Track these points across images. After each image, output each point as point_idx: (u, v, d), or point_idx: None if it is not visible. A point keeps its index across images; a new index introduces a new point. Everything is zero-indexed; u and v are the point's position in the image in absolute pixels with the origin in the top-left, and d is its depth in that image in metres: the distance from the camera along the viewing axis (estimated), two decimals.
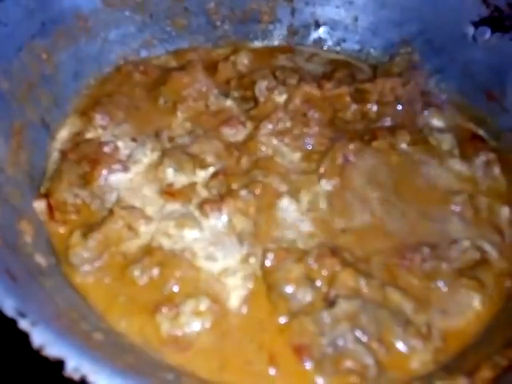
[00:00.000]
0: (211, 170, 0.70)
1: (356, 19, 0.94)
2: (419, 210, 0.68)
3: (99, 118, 0.75)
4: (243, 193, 0.66)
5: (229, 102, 0.80)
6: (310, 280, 0.59)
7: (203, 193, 0.68)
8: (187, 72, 0.82)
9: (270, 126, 0.75)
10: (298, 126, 0.76)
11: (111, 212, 0.63)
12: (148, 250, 0.61)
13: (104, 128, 0.75)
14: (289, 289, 0.58)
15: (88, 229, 0.61)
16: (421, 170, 0.73)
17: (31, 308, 0.42)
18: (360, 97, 0.80)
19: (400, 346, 0.54)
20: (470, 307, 0.58)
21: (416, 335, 0.55)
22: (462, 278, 0.60)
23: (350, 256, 0.61)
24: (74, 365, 0.38)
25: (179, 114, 0.78)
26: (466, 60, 0.85)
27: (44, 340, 0.39)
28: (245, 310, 0.58)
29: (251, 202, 0.66)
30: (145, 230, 0.63)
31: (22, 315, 0.40)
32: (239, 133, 0.76)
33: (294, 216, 0.67)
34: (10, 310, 0.40)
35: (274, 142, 0.74)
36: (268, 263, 0.60)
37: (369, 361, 0.52)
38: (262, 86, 0.81)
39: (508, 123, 0.78)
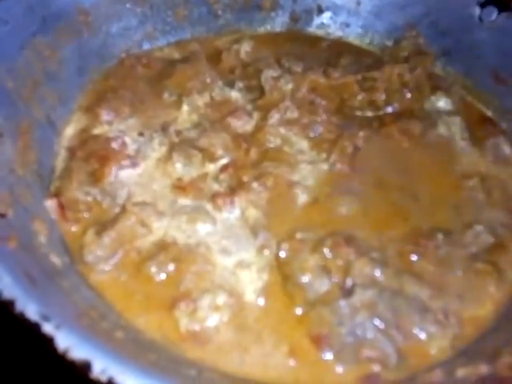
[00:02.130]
0: (221, 162, 0.70)
1: (359, 3, 0.93)
2: (432, 195, 0.68)
3: (105, 114, 0.74)
4: (254, 185, 0.66)
5: (234, 93, 0.80)
6: (325, 269, 0.59)
7: (214, 186, 0.68)
8: (191, 64, 0.81)
9: (277, 116, 0.75)
10: (305, 114, 0.76)
11: (124, 209, 0.63)
12: (163, 246, 0.61)
13: (110, 124, 0.74)
14: (305, 279, 0.58)
15: (101, 227, 0.61)
16: (432, 154, 0.72)
17: (53, 310, 0.42)
18: (367, 85, 0.79)
19: (418, 332, 0.55)
20: (486, 292, 0.59)
21: (433, 322, 0.55)
22: (477, 262, 0.60)
23: (365, 244, 0.61)
24: (102, 366, 0.38)
25: (185, 106, 0.77)
26: (473, 42, 0.84)
27: (69, 343, 0.39)
28: (262, 302, 0.58)
29: (263, 194, 0.66)
30: (157, 225, 0.63)
31: (46, 319, 0.40)
32: (246, 124, 0.75)
33: (306, 206, 0.67)
34: (33, 315, 0.40)
35: (283, 131, 0.74)
36: (283, 254, 0.60)
37: (388, 349, 0.53)
38: (267, 75, 0.80)
39: None
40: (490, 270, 0.59)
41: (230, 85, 0.80)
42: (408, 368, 0.52)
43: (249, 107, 0.77)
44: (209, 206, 0.65)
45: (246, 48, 0.88)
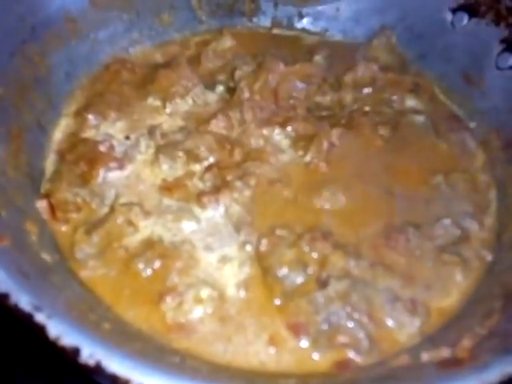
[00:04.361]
0: (205, 163, 0.73)
1: (338, 9, 0.97)
2: (404, 190, 0.71)
3: (92, 118, 0.77)
4: (238, 184, 0.70)
5: (215, 96, 0.83)
6: (302, 263, 0.62)
7: (199, 185, 0.71)
8: (172, 69, 0.84)
9: (250, 113, 0.78)
10: (280, 113, 0.79)
11: (112, 209, 0.66)
12: (149, 244, 0.64)
13: (97, 127, 0.77)
14: (283, 272, 0.62)
15: (91, 226, 0.64)
16: (402, 151, 0.76)
17: (45, 302, 0.45)
18: (337, 83, 0.83)
19: (388, 321, 0.58)
20: (453, 282, 0.62)
21: (403, 311, 0.59)
22: (444, 254, 0.64)
23: (341, 239, 0.65)
24: (89, 352, 0.41)
25: (168, 111, 0.80)
26: (446, 45, 0.88)
27: (60, 331, 0.42)
28: (243, 294, 0.61)
29: (246, 192, 0.69)
30: (144, 224, 0.66)
31: (38, 309, 0.43)
32: (228, 126, 0.78)
33: (286, 203, 0.70)
34: (26, 306, 0.43)
35: (265, 132, 0.77)
36: (263, 249, 0.64)
37: (361, 335, 0.56)
38: (240, 73, 0.83)
39: (486, 105, 0.81)
40: (457, 260, 0.63)
41: (211, 88, 0.83)
42: (378, 353, 0.56)
43: (228, 109, 0.79)
44: (194, 205, 0.69)
45: (224, 45, 0.91)
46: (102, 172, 0.71)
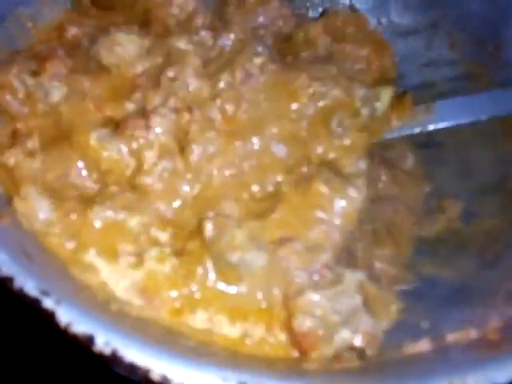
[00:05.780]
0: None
1: None
2: None
3: None
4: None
5: None
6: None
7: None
8: None
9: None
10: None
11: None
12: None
13: None
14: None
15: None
16: None
17: (52, 286, 0.42)
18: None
19: None
20: None
21: None
22: None
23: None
24: (104, 339, 0.38)
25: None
26: (461, 13, 0.83)
27: (70, 317, 0.39)
28: None
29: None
30: None
31: (46, 294, 0.40)
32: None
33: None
34: (32, 290, 0.40)
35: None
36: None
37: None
38: None
39: (505, 77, 0.77)
40: None
41: None
42: None
43: None
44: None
45: None
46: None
